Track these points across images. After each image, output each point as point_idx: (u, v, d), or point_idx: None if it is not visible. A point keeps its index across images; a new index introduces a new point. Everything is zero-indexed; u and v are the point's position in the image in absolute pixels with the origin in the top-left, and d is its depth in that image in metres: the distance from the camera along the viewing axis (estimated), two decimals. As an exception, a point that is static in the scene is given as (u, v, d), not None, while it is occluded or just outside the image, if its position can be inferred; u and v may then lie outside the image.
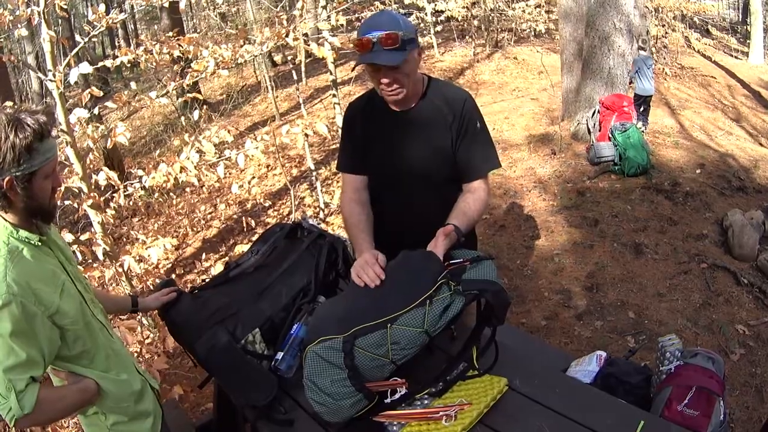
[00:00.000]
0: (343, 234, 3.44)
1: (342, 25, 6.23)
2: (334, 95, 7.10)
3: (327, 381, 2.40)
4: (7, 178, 2.20)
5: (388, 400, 2.46)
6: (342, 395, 2.39)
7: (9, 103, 2.98)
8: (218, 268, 5.85)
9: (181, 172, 4.85)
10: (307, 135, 5.09)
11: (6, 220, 2.34)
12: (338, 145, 3.58)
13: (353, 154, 3.37)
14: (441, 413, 2.34)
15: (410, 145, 3.17)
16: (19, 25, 5.65)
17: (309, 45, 5.17)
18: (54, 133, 2.34)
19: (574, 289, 5.95)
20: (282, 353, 2.80)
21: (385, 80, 2.97)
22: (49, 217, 2.45)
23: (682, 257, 6.46)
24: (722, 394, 2.83)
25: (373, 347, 2.40)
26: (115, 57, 5.26)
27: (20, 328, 2.22)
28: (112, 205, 5.37)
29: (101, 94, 4.93)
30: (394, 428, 2.37)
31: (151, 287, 5.99)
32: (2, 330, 2.20)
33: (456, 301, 2.47)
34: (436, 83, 3.21)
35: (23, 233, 2.36)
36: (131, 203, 5.37)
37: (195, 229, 8.28)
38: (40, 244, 2.42)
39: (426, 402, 2.48)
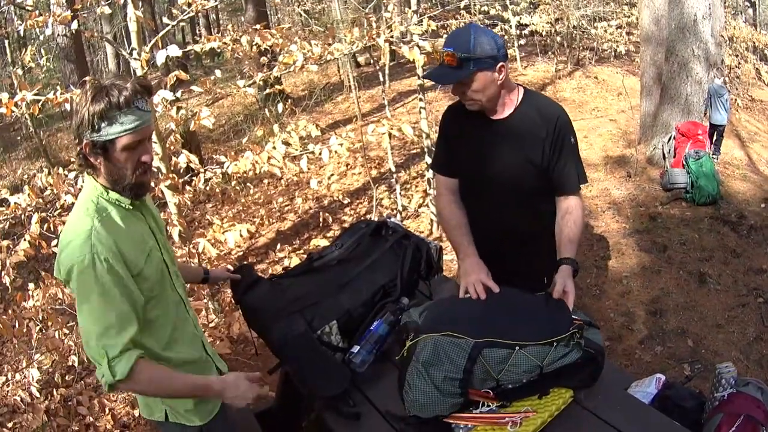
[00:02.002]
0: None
1: (433, 30, 6.25)
2: (420, 99, 7.09)
3: (441, 375, 2.41)
4: (84, 143, 2.25)
5: (477, 411, 2.47)
6: (449, 393, 2.41)
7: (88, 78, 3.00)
8: (294, 261, 5.88)
9: (268, 161, 4.90)
10: (391, 135, 5.10)
11: (97, 181, 2.37)
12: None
13: (449, 156, 3.41)
14: (507, 419, 2.36)
15: (502, 153, 3.19)
16: (102, 2, 5.73)
17: (400, 47, 5.18)
18: (144, 107, 2.32)
19: (638, 313, 5.92)
20: (358, 347, 2.82)
21: (454, 92, 3.08)
22: (136, 190, 2.43)
23: (741, 290, 6.41)
24: (766, 424, 2.82)
25: (494, 362, 2.43)
26: (202, 42, 5.32)
27: (106, 288, 2.24)
28: (188, 188, 5.45)
29: (188, 77, 5.00)
30: (461, 430, 2.39)
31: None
32: (88, 292, 2.23)
33: (573, 352, 2.53)
34: (531, 95, 3.22)
35: (114, 195, 2.38)
36: (208, 188, 5.43)
37: (270, 220, 8.34)
38: (131, 207, 2.44)
39: (493, 406, 2.48)
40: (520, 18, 13.37)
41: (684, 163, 8.48)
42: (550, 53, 13.82)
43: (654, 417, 2.50)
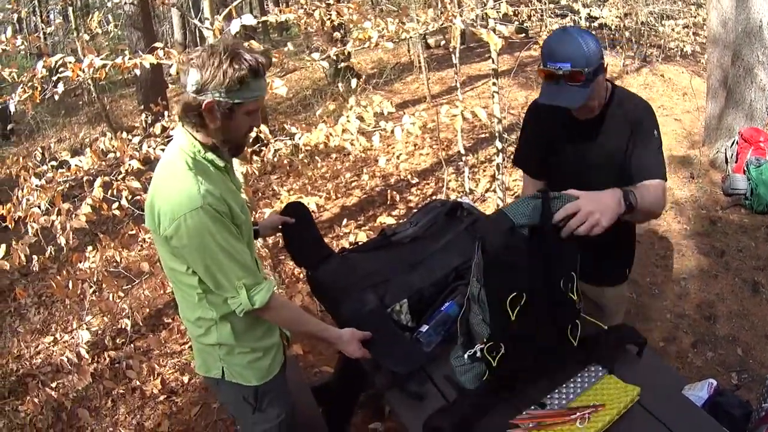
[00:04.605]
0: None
1: (505, 14, 6.17)
2: (494, 83, 7.02)
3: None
4: (208, 100, 2.29)
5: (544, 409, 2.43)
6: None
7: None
8: (360, 237, 5.87)
9: (343, 133, 4.87)
10: (464, 117, 5.05)
11: (195, 139, 2.43)
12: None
13: (531, 154, 3.36)
14: (577, 415, 2.31)
15: (591, 153, 3.11)
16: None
17: (479, 30, 5.12)
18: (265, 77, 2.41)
19: (693, 316, 5.85)
20: (427, 327, 2.80)
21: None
22: (238, 151, 2.57)
23: (791, 301, 6.32)
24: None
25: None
26: (276, 13, 5.29)
27: (225, 233, 2.38)
28: (256, 158, 5.44)
29: (261, 47, 4.99)
30: (530, 425, 2.33)
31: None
32: (207, 238, 2.34)
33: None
34: (619, 92, 3.15)
35: (210, 155, 2.46)
36: (276, 159, 5.42)
37: (337, 194, 8.35)
38: (222, 167, 2.52)
39: (563, 402, 2.44)
40: (591, 10, 13.24)
41: (745, 169, 8.34)
42: (618, 47, 13.65)
43: (706, 422, 2.46)
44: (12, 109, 5.13)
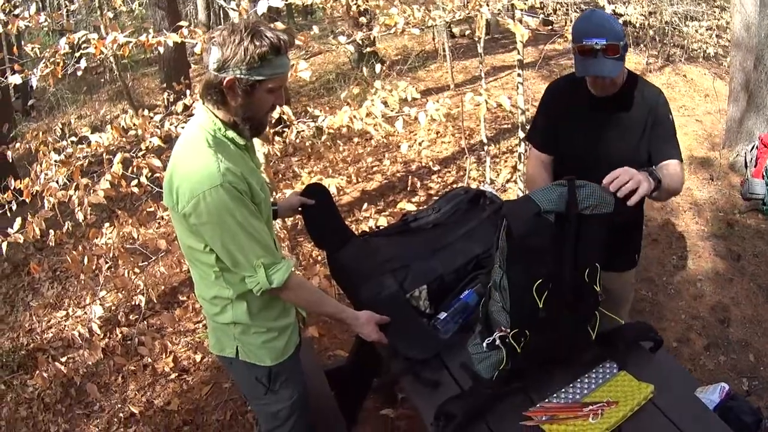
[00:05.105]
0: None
1: (539, 6, 6.14)
2: (519, 74, 6.98)
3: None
4: (229, 77, 2.29)
5: (555, 401, 2.43)
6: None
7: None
8: (380, 222, 5.87)
9: (367, 117, 4.86)
10: (488, 104, 5.03)
11: (216, 117, 2.44)
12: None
13: (546, 131, 3.41)
14: (589, 410, 2.31)
15: (608, 128, 3.23)
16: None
17: (506, 21, 5.10)
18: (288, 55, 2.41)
19: (708, 319, 5.83)
20: (445, 314, 2.79)
21: (596, 83, 3.11)
22: (259, 129, 2.56)
23: (805, 309, 6.31)
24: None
25: None
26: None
27: (245, 211, 2.39)
28: (278, 139, 5.43)
29: (285, 27, 4.97)
30: (543, 418, 2.34)
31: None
32: (226, 215, 2.35)
33: None
34: (633, 75, 3.28)
35: (230, 133, 2.46)
36: (298, 141, 5.41)
37: (357, 179, 8.34)
38: (243, 145, 2.53)
39: (576, 396, 2.44)
40: (615, 7, 13.18)
41: (764, 174, 8.31)
42: (641, 46, 13.60)
43: (718, 427, 2.43)
44: (33, 84, 5.14)
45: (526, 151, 3.73)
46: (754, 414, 3.21)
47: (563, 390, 2.46)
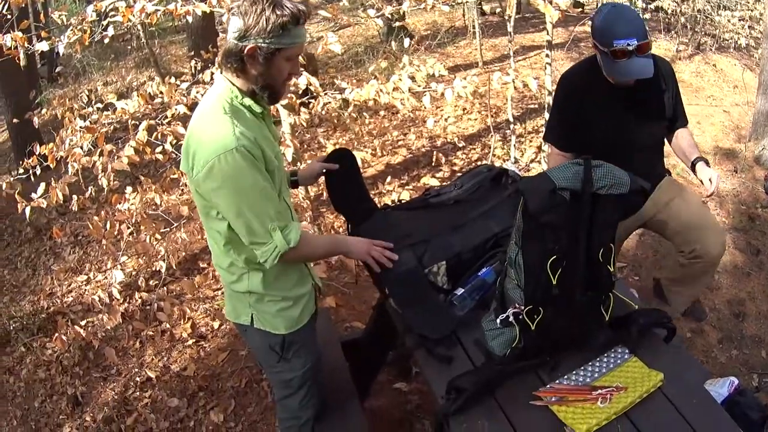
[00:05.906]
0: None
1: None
2: (547, 55, 6.95)
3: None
4: (251, 45, 2.35)
5: (565, 383, 2.44)
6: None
7: None
8: (403, 196, 5.88)
9: (394, 91, 4.86)
10: (515, 86, 5.02)
11: (234, 85, 2.48)
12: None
13: (564, 130, 3.44)
14: (598, 393, 2.33)
15: (636, 114, 3.22)
16: None
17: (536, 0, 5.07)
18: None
19: (723, 311, 5.81)
20: (462, 290, 2.80)
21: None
22: (276, 98, 2.61)
23: (821, 310, 6.27)
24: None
25: None
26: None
27: (258, 177, 2.41)
28: (304, 110, 5.42)
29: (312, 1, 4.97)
30: (552, 399, 2.36)
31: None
32: (240, 180, 2.38)
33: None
34: None
35: (247, 101, 2.51)
36: (324, 112, 5.42)
37: (383, 152, 8.32)
38: (259, 113, 2.57)
39: (587, 379, 2.45)
40: (648, -7, 13.11)
41: (788, 169, 8.26)
42: (672, 32, 13.46)
43: (725, 421, 2.43)
44: (60, 51, 5.16)
45: (548, 147, 3.74)
46: (761, 410, 3.22)
47: (574, 372, 2.47)
